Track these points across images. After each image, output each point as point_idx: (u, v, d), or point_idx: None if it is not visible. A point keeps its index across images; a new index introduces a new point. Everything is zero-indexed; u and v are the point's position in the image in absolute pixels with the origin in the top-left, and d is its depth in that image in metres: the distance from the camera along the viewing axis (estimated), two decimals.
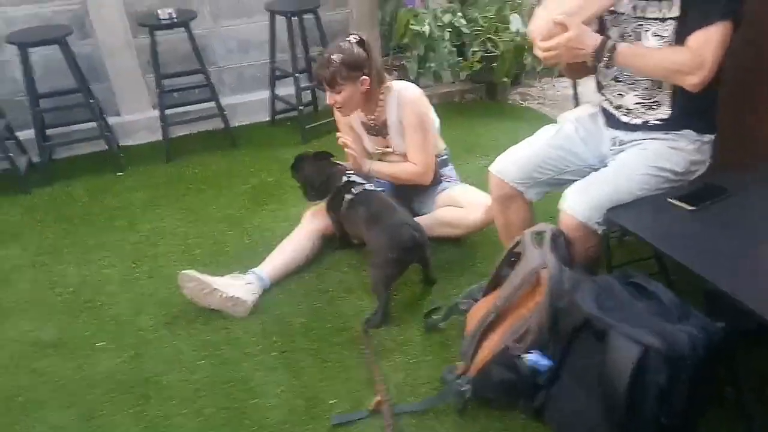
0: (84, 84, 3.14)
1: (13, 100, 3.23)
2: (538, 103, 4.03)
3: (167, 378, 1.84)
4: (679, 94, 1.67)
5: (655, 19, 1.61)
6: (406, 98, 2.26)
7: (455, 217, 2.33)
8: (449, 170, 2.55)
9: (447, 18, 3.72)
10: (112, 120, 3.49)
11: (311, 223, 2.37)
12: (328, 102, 2.22)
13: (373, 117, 2.33)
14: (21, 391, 1.83)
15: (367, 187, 2.24)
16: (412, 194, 2.48)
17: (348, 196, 2.21)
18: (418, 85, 3.82)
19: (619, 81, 1.77)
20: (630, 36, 1.69)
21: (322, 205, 2.36)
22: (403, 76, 3.74)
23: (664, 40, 1.62)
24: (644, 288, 1.42)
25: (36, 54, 3.18)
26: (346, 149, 2.28)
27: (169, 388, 1.81)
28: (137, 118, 3.54)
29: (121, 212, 2.82)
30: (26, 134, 3.19)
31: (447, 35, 3.72)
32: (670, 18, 1.59)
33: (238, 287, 2.09)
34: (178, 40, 3.32)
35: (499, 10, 3.86)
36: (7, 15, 3.16)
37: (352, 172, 2.30)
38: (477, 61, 3.83)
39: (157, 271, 2.36)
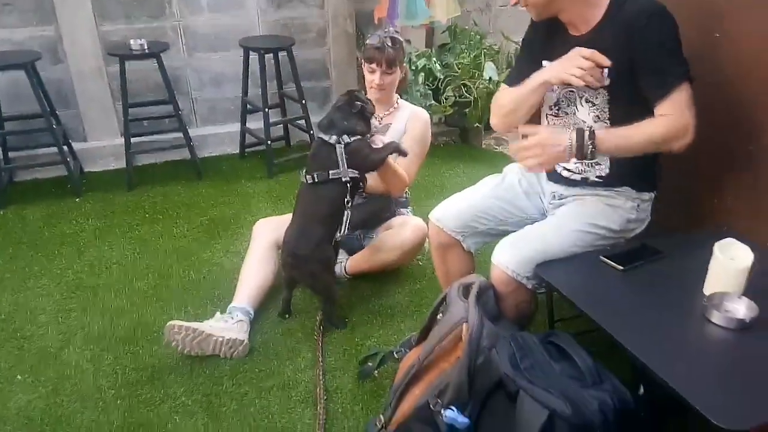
0: (48, 109, 3.12)
1: None
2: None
3: (81, 417, 1.76)
4: None
5: (587, 86, 1.59)
6: (420, 115, 2.41)
7: (385, 240, 2.31)
8: (407, 212, 2.53)
9: (422, 62, 3.76)
10: (78, 146, 3.47)
11: (264, 237, 2.28)
12: (376, 83, 2.27)
13: (382, 117, 2.38)
14: None
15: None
16: (367, 230, 2.44)
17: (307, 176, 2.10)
18: None
19: None
20: (563, 101, 1.69)
21: (272, 217, 2.37)
22: None
23: (595, 106, 1.61)
24: (563, 349, 1.37)
25: (5, 77, 3.18)
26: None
27: (80, 429, 1.72)
28: (104, 145, 3.52)
29: (71, 239, 2.77)
30: None
31: (421, 79, 3.75)
32: (601, 87, 1.58)
33: (232, 329, 2.00)
34: (151, 70, 3.33)
35: (475, 57, 3.91)
36: None
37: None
38: (450, 105, 3.86)
39: (92, 304, 2.30)
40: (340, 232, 2.11)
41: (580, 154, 1.50)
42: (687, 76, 1.51)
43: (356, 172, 2.08)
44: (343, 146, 2.05)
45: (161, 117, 3.48)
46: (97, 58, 3.38)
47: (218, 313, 2.09)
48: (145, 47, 3.16)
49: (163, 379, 1.91)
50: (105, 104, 3.49)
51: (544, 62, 1.70)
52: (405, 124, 2.37)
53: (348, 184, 2.06)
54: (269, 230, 2.31)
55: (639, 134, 1.52)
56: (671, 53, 1.50)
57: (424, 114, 2.42)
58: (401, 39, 2.33)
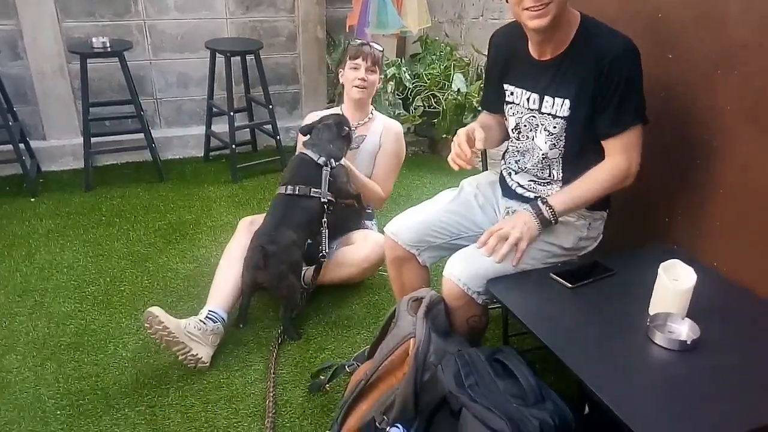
0: (5, 106, 3.03)
1: None
2: (480, 161, 4.04)
3: (18, 428, 1.70)
4: (566, 176, 1.67)
5: (548, 114, 1.62)
6: (394, 128, 2.45)
7: (345, 256, 2.30)
8: (371, 224, 2.51)
9: (391, 71, 3.75)
10: (36, 144, 3.39)
11: (245, 237, 2.18)
12: (360, 77, 2.31)
13: (356, 126, 2.40)
14: None
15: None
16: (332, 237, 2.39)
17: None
18: None
19: (518, 162, 1.78)
20: (525, 126, 1.70)
21: (258, 215, 2.28)
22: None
23: (552, 135, 1.62)
24: (507, 366, 1.37)
25: None
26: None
27: None
28: (63, 144, 3.44)
29: (22, 240, 2.68)
30: None
31: (390, 88, 3.75)
32: (560, 117, 1.59)
33: (202, 342, 1.93)
34: (115, 69, 3.26)
35: (445, 68, 3.93)
36: None
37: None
38: (419, 115, 3.86)
39: (39, 308, 2.23)
40: (320, 251, 2.16)
41: (546, 221, 1.59)
42: (642, 118, 1.54)
43: (332, 196, 2.17)
44: (329, 170, 2.15)
45: (123, 117, 3.41)
46: (59, 55, 3.30)
47: (200, 315, 2.00)
48: (108, 45, 3.10)
49: (106, 389, 1.86)
50: (66, 102, 3.41)
51: (506, 86, 1.71)
52: (379, 137, 2.41)
53: (325, 206, 2.16)
54: (252, 232, 2.20)
55: (586, 187, 1.60)
56: (631, 94, 1.52)
57: (398, 126, 2.46)
58: (382, 50, 2.41)
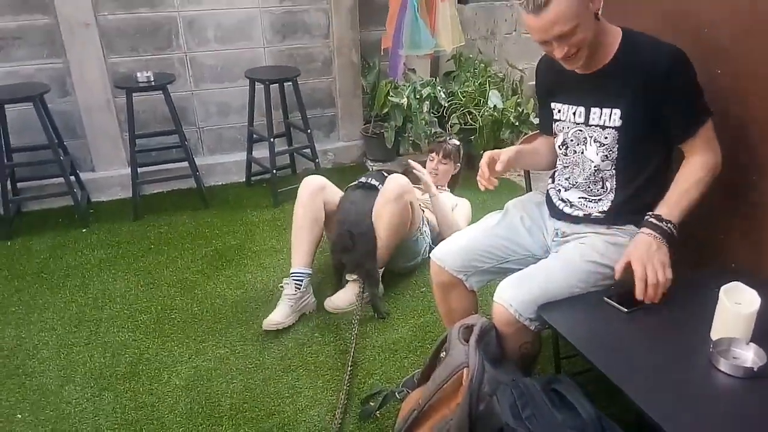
0: (56, 140, 3.16)
1: None
2: (518, 175, 4.01)
3: None
4: (620, 189, 1.64)
5: (597, 125, 1.61)
6: (467, 201, 2.93)
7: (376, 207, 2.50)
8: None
9: (426, 91, 3.76)
10: (85, 176, 3.50)
11: (307, 196, 2.55)
12: (432, 167, 2.91)
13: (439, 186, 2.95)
14: None
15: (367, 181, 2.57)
16: None
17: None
18: (398, 152, 3.93)
19: (568, 178, 1.76)
20: (571, 141, 1.68)
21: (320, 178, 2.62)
22: (381, 144, 3.77)
23: (604, 146, 1.60)
24: (565, 396, 1.34)
25: (14, 110, 3.23)
26: (416, 171, 2.73)
27: None
28: (111, 175, 3.55)
29: (76, 271, 2.77)
30: None
31: (425, 107, 3.76)
32: (611, 127, 1.58)
33: (304, 300, 2.39)
34: (158, 101, 3.37)
35: (479, 85, 3.92)
36: None
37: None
38: (455, 133, 3.86)
39: (95, 338, 2.29)
40: None
41: (670, 238, 1.49)
42: (710, 112, 1.55)
43: None
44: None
45: (168, 147, 3.51)
46: (105, 90, 3.42)
47: (289, 288, 2.35)
48: (152, 79, 3.20)
49: (161, 418, 1.89)
50: (113, 135, 3.53)
51: (553, 104, 1.71)
52: (455, 202, 2.87)
53: None
54: (317, 189, 2.54)
55: (687, 188, 1.54)
56: (695, 94, 1.54)
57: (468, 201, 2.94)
58: (459, 145, 3.00)
